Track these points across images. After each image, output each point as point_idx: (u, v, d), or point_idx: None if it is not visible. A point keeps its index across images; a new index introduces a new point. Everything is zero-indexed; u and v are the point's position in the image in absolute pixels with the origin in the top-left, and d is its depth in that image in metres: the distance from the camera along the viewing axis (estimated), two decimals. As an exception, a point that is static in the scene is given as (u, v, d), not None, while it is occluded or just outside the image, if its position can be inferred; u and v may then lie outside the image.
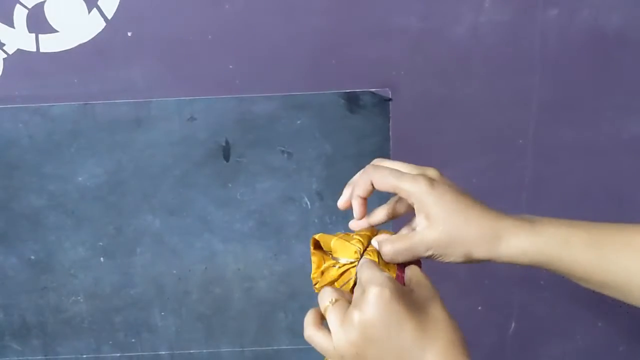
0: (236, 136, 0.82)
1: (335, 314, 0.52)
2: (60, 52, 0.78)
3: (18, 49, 0.78)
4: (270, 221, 0.85)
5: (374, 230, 0.60)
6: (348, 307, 0.52)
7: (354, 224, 0.61)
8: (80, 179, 0.83)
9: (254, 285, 0.88)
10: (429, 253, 0.56)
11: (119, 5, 0.76)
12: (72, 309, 0.88)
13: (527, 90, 0.81)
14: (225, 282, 0.87)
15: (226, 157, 0.83)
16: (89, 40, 0.78)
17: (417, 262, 0.58)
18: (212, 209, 0.85)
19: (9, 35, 0.77)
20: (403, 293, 0.51)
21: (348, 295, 0.55)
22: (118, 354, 0.90)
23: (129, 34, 0.78)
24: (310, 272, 0.59)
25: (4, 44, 0.77)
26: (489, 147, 0.83)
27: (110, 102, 0.80)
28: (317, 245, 0.59)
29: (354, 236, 0.58)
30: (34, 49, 0.78)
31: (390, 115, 0.81)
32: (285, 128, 0.82)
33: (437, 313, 0.52)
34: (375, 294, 0.50)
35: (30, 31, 0.77)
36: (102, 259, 0.86)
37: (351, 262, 0.57)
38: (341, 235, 0.59)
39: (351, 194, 0.60)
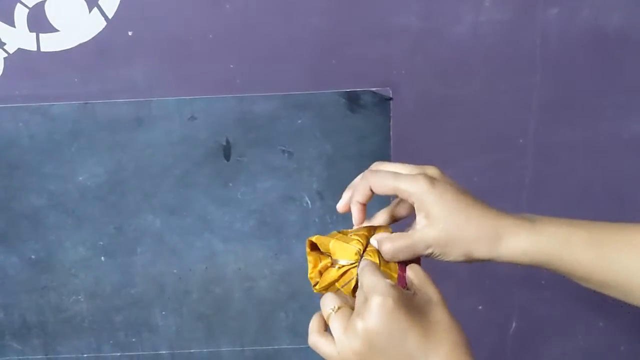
0: (237, 136, 0.82)
1: (339, 322, 0.52)
2: (60, 51, 0.78)
3: (19, 48, 0.78)
4: (271, 221, 0.85)
5: (372, 228, 0.60)
6: (351, 313, 0.52)
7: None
8: (80, 178, 0.83)
9: (254, 284, 0.88)
10: (429, 251, 0.56)
11: (119, 5, 0.76)
12: (73, 308, 0.88)
13: (527, 90, 0.81)
14: (226, 281, 0.87)
15: (227, 157, 0.83)
16: (89, 40, 0.78)
17: (416, 260, 0.58)
18: (213, 209, 0.85)
19: (10, 34, 0.77)
20: (405, 300, 0.51)
21: (350, 300, 0.55)
22: (118, 354, 0.90)
23: (130, 33, 0.78)
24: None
25: (4, 43, 0.78)
26: (489, 147, 0.83)
27: (110, 101, 0.80)
28: (314, 247, 0.59)
29: (353, 236, 0.58)
30: (35, 48, 0.78)
31: (391, 114, 0.81)
32: (285, 127, 0.82)
33: (440, 316, 0.52)
34: (378, 303, 0.50)
35: (30, 30, 0.77)
36: (102, 258, 0.86)
37: (351, 264, 0.57)
38: (338, 235, 0.59)
39: (350, 198, 0.60)
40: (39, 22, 0.77)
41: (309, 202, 0.84)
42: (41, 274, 0.87)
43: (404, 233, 0.57)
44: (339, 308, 0.53)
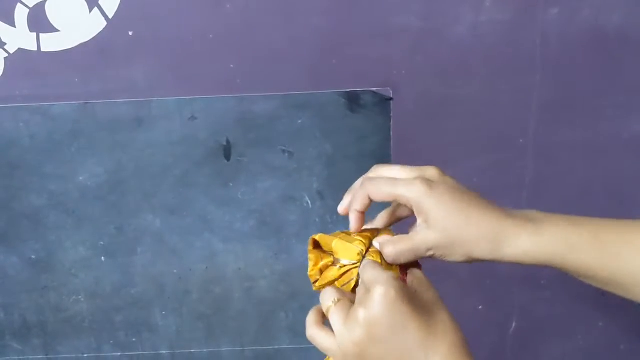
0: (237, 135, 0.82)
1: (339, 313, 0.52)
2: (61, 51, 0.78)
3: (19, 49, 0.78)
4: (271, 221, 0.85)
5: (375, 230, 0.60)
6: (351, 306, 0.52)
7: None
8: (80, 178, 0.83)
9: (254, 284, 0.88)
10: (430, 253, 0.56)
11: (120, 5, 0.76)
12: (73, 308, 0.88)
13: (527, 90, 0.81)
14: (226, 281, 0.87)
15: (227, 157, 0.83)
16: (90, 40, 0.78)
17: (417, 264, 0.58)
18: (213, 209, 0.85)
19: (10, 34, 0.77)
20: (408, 293, 0.51)
21: (350, 295, 0.55)
22: (119, 353, 0.90)
23: (130, 33, 0.78)
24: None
25: (5, 43, 0.78)
26: (489, 147, 0.83)
27: (111, 101, 0.80)
28: (316, 245, 0.59)
29: (356, 237, 0.58)
30: (35, 48, 0.78)
31: (391, 114, 0.81)
32: (286, 127, 0.82)
33: (440, 315, 0.52)
34: (381, 293, 0.50)
35: (31, 30, 0.77)
36: (102, 258, 0.86)
37: (353, 264, 0.57)
38: (342, 235, 0.59)
39: (350, 204, 0.60)
40: (39, 22, 0.77)
41: (309, 202, 0.85)
42: (41, 274, 0.87)
43: (405, 236, 0.57)
44: (339, 300, 0.53)
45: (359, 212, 0.58)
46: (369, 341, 0.50)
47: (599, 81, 0.81)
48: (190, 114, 0.81)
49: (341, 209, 0.61)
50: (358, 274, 0.56)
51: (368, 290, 0.51)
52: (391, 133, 0.82)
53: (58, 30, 0.77)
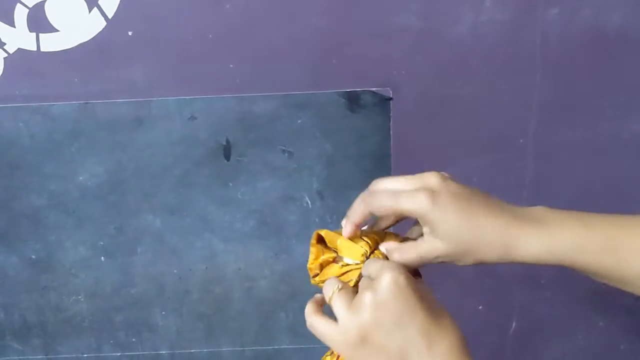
0: (237, 135, 0.82)
1: (342, 299, 0.52)
2: (60, 51, 0.78)
3: (19, 48, 0.78)
4: (271, 221, 0.85)
5: (381, 232, 0.60)
6: (354, 293, 0.52)
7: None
8: (80, 178, 0.83)
9: (254, 284, 0.88)
10: (438, 260, 0.56)
11: (119, 5, 0.76)
12: (73, 308, 0.88)
13: (527, 90, 0.81)
14: (226, 281, 0.87)
15: (227, 157, 0.83)
16: (89, 40, 0.78)
17: (416, 271, 0.58)
18: (213, 209, 0.85)
19: (10, 34, 0.77)
20: (415, 284, 0.51)
21: (352, 289, 0.55)
22: (119, 354, 0.90)
23: (130, 33, 0.78)
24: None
25: (4, 43, 0.78)
26: (489, 147, 0.83)
27: (110, 101, 0.80)
28: (320, 240, 0.59)
29: (362, 237, 0.58)
30: (35, 48, 0.78)
31: (391, 114, 0.81)
32: (285, 127, 0.82)
33: (443, 313, 0.52)
34: (391, 277, 0.50)
35: (30, 30, 0.77)
36: (102, 258, 0.86)
37: (356, 264, 0.57)
38: None
39: (348, 216, 0.58)
40: (39, 22, 0.77)
41: (309, 202, 0.85)
42: (41, 274, 0.87)
43: (413, 243, 0.56)
44: (342, 288, 0.53)
45: (355, 224, 0.57)
46: (374, 325, 0.50)
47: (599, 81, 0.81)
48: (190, 114, 0.81)
49: (346, 233, 0.59)
50: (359, 275, 0.56)
51: (376, 277, 0.51)
52: (391, 133, 0.82)
53: (57, 30, 0.77)
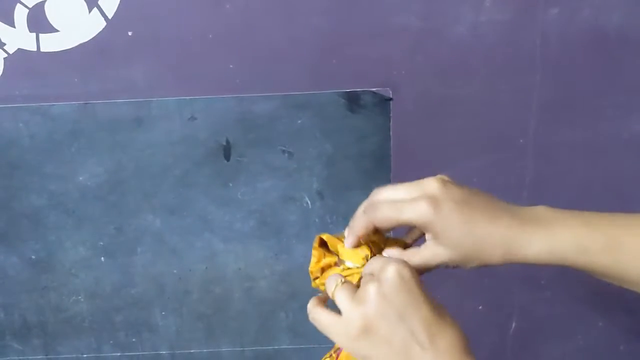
0: (237, 136, 0.82)
1: (346, 291, 0.52)
2: (60, 51, 0.78)
3: (19, 49, 0.78)
4: (271, 221, 0.85)
5: (383, 237, 0.60)
6: (356, 290, 0.52)
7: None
8: (80, 178, 0.83)
9: (254, 284, 0.88)
10: (442, 266, 0.56)
11: (119, 5, 0.76)
12: (73, 308, 0.88)
13: (527, 90, 0.81)
14: (226, 281, 0.87)
15: (227, 157, 0.83)
16: (89, 40, 0.78)
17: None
18: (213, 209, 0.85)
19: (10, 34, 0.77)
20: (419, 278, 0.52)
21: (354, 284, 0.55)
22: (119, 354, 0.90)
23: (130, 33, 0.78)
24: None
25: (4, 44, 0.78)
26: (489, 147, 0.83)
27: (110, 101, 0.80)
28: (322, 244, 0.59)
29: (364, 242, 0.58)
30: (35, 49, 0.78)
31: (391, 114, 0.81)
32: (285, 127, 0.82)
33: (445, 310, 0.53)
34: (395, 269, 0.50)
35: (30, 31, 0.77)
36: (102, 258, 0.86)
37: (357, 267, 0.57)
38: None
39: (351, 227, 0.58)
40: (39, 22, 0.77)
41: (309, 202, 0.85)
42: (41, 274, 0.87)
43: (416, 250, 0.56)
44: (345, 282, 0.53)
45: (358, 237, 0.57)
46: (378, 316, 0.50)
47: (599, 81, 0.81)
48: (190, 114, 0.81)
49: (348, 245, 0.58)
50: (360, 278, 0.56)
51: (380, 269, 0.51)
52: (391, 133, 0.82)
53: (57, 31, 0.77)
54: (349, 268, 0.57)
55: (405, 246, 0.58)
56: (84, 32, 0.77)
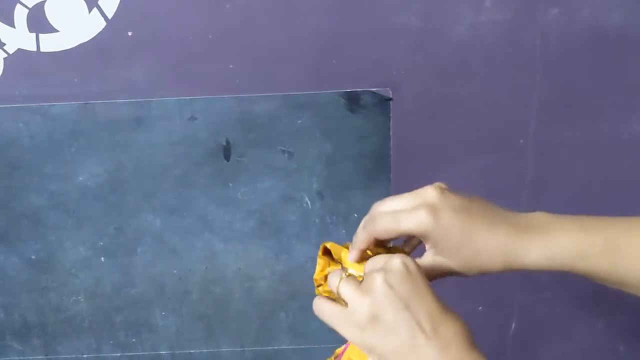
0: (237, 136, 0.82)
1: (350, 283, 0.52)
2: (60, 51, 0.78)
3: (18, 49, 0.78)
4: (271, 221, 0.85)
5: (385, 249, 0.60)
6: (361, 281, 0.52)
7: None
8: (80, 178, 0.83)
9: (254, 285, 0.88)
10: (443, 275, 0.57)
11: (119, 5, 0.76)
12: (73, 308, 0.88)
13: (527, 90, 0.81)
14: (226, 281, 0.87)
15: (227, 157, 0.83)
16: (89, 40, 0.78)
17: None
18: (213, 209, 0.85)
19: (10, 34, 0.77)
20: (423, 272, 0.52)
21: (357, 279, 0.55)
22: (118, 354, 0.90)
23: (130, 33, 0.78)
24: (313, 274, 0.59)
25: (4, 44, 0.78)
26: (489, 147, 0.83)
27: (110, 101, 0.80)
28: (326, 252, 0.59)
29: (367, 251, 0.58)
30: (35, 49, 0.78)
31: (391, 114, 0.81)
32: (285, 128, 0.82)
33: (449, 306, 0.53)
34: (401, 261, 0.51)
35: (30, 31, 0.77)
36: (102, 258, 0.86)
37: (360, 275, 0.57)
38: None
39: (353, 243, 0.58)
40: (38, 22, 0.77)
41: (309, 202, 0.84)
42: (41, 274, 0.87)
43: (417, 260, 0.56)
44: (349, 275, 0.54)
45: (361, 251, 0.57)
46: (385, 305, 0.50)
47: (599, 81, 0.81)
48: (190, 114, 0.81)
49: (352, 259, 0.58)
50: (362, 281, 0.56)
51: (385, 262, 0.51)
52: (391, 133, 0.82)
53: (57, 31, 0.77)
54: (351, 275, 0.57)
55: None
56: (83, 32, 0.77)
